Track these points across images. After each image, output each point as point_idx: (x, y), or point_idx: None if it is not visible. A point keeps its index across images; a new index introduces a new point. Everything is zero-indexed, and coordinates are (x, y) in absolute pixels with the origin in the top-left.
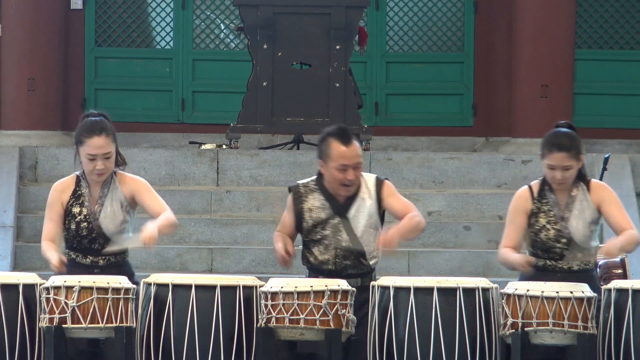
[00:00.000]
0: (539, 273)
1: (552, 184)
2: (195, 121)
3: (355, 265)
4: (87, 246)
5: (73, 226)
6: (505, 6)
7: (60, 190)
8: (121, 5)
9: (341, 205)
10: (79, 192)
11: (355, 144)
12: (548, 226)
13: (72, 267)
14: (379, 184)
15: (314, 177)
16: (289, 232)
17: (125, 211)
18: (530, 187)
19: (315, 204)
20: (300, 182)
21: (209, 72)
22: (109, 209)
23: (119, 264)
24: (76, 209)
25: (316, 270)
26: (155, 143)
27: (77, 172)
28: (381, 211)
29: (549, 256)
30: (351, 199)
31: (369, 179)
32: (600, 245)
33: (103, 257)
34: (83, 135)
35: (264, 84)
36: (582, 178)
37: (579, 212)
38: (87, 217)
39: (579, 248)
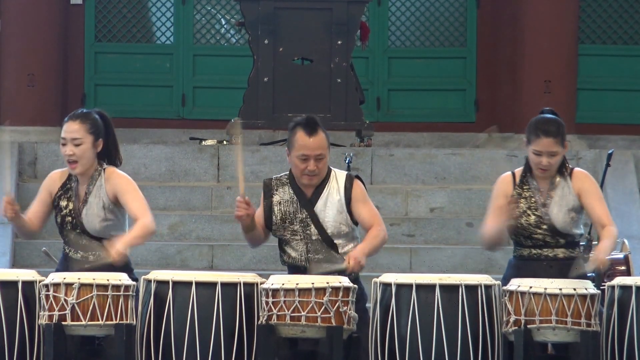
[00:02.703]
0: (526, 263)
1: (536, 170)
2: (195, 117)
3: (328, 259)
4: (75, 241)
5: (59, 219)
6: (508, 1)
7: (54, 179)
8: (121, 0)
9: (309, 199)
10: (69, 185)
11: (321, 135)
12: (529, 212)
13: (66, 261)
14: (349, 180)
15: (288, 171)
16: (259, 225)
17: (107, 210)
18: (513, 173)
19: (284, 197)
20: (275, 175)
21: (210, 68)
22: (91, 207)
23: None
24: (63, 202)
25: (293, 269)
26: (155, 139)
27: None
28: (350, 210)
29: (532, 243)
30: (318, 192)
31: (339, 175)
32: (585, 244)
33: (93, 253)
34: (64, 121)
35: (265, 79)
36: (563, 166)
37: (559, 199)
38: (72, 212)
39: (561, 234)
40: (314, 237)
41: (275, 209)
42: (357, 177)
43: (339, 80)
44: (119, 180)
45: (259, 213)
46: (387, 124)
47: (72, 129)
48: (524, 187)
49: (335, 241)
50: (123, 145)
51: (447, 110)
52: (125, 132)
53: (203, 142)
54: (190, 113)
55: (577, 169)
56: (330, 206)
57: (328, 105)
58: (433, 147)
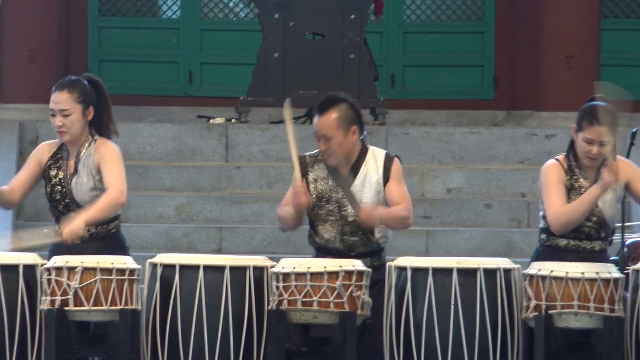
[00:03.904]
0: (559, 254)
1: (584, 159)
2: (203, 94)
3: (363, 243)
4: (63, 212)
5: (49, 189)
6: None
7: (44, 149)
8: None
9: (344, 178)
10: (59, 155)
11: (330, 114)
12: None
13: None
14: (389, 160)
15: None
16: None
17: (95, 179)
18: (559, 161)
19: (320, 174)
20: (308, 153)
21: (218, 43)
22: (80, 176)
23: (101, 236)
24: (53, 172)
25: (323, 250)
26: (161, 117)
27: None
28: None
29: (575, 235)
30: (355, 171)
31: (378, 154)
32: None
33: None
34: (52, 91)
35: (275, 55)
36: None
37: (610, 190)
38: (62, 181)
39: (606, 227)
40: (350, 219)
41: (311, 187)
42: (397, 157)
43: (351, 56)
44: (105, 150)
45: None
46: (402, 101)
47: (59, 99)
48: (574, 177)
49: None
50: (128, 123)
51: (465, 87)
52: (131, 110)
53: (211, 120)
54: (198, 90)
55: (619, 157)
56: (368, 186)
57: (340, 82)
58: (450, 125)
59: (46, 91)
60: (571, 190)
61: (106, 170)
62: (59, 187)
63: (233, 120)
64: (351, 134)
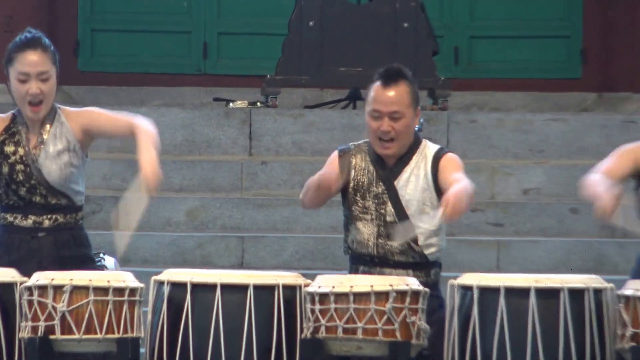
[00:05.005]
0: None
1: None
2: (221, 72)
3: (403, 251)
4: (26, 198)
5: (6, 169)
6: None
7: None
8: None
9: (389, 170)
10: (14, 129)
11: (402, 87)
12: None
13: (10, 234)
14: (439, 153)
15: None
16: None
17: (72, 152)
18: None
19: (360, 164)
20: (353, 142)
21: (239, 8)
22: (51, 149)
23: (70, 226)
24: (9, 148)
25: (356, 259)
26: (169, 100)
27: (14, 111)
28: (437, 188)
29: None
30: (402, 163)
31: (430, 147)
32: None
33: (49, 217)
34: (13, 51)
35: (311, 23)
36: None
37: None
38: (24, 158)
39: None
40: (388, 219)
41: (352, 173)
42: (450, 152)
43: (405, 25)
44: (82, 112)
45: (330, 171)
46: (468, 81)
47: (34, 60)
48: None
49: (417, 231)
50: (128, 107)
51: (546, 63)
52: (131, 92)
53: (230, 104)
54: (214, 67)
55: None
56: (414, 181)
57: (392, 57)
58: (527, 110)
59: None
60: None
61: (103, 120)
62: (21, 165)
63: (258, 104)
64: (416, 115)
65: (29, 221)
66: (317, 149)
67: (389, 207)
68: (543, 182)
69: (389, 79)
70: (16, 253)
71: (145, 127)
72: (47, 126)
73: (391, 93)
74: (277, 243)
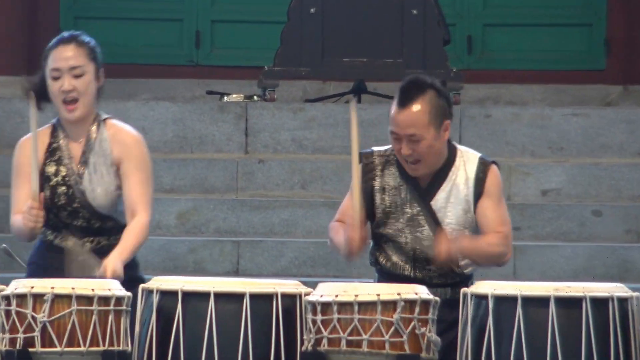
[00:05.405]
0: None
1: None
2: (214, 63)
3: (443, 274)
4: (66, 222)
5: (47, 193)
6: None
7: (28, 144)
8: None
9: (424, 189)
10: (55, 144)
11: (419, 105)
12: None
13: (50, 252)
14: (484, 167)
15: None
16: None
17: (115, 174)
18: None
19: (390, 182)
20: (377, 148)
21: None
22: (97, 170)
23: (105, 250)
24: (51, 169)
25: (388, 276)
26: (159, 93)
27: (53, 120)
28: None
29: None
30: (439, 181)
31: (470, 160)
32: None
33: (91, 239)
34: (48, 49)
35: (312, 10)
36: None
37: None
38: (66, 179)
39: None
40: (425, 242)
41: (377, 197)
42: (495, 163)
43: (414, 12)
44: (130, 143)
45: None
46: (482, 72)
47: (67, 54)
48: None
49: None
50: (115, 101)
51: (566, 53)
52: (118, 84)
53: (225, 97)
54: (208, 57)
55: None
56: (454, 202)
57: (400, 47)
58: (546, 104)
59: (4, 59)
60: None
61: (133, 179)
62: (64, 187)
63: (255, 98)
64: (443, 131)
65: (70, 243)
66: (319, 147)
67: (427, 230)
68: (563, 182)
69: (404, 99)
70: (56, 276)
71: (140, 229)
72: (90, 141)
73: (406, 115)
74: (275, 248)
